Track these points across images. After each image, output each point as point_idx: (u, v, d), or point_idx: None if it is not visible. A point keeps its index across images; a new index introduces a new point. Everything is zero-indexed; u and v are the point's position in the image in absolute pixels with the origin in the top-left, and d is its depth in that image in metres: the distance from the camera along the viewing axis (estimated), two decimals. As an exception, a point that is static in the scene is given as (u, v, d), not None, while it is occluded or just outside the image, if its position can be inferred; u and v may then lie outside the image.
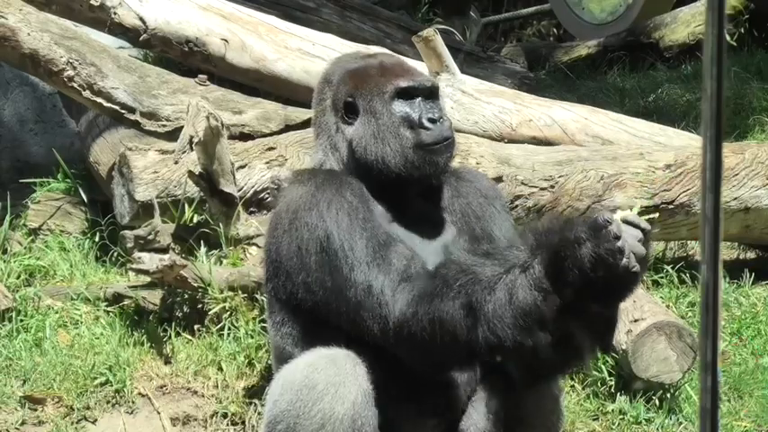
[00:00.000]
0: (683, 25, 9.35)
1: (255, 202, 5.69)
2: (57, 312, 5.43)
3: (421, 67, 6.00)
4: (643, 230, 3.28)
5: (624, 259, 3.20)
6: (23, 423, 4.97)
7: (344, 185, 3.64)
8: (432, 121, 3.74)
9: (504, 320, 3.29)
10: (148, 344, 5.24)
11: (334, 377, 3.53)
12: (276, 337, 3.84)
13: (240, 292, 5.22)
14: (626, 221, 3.27)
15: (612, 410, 5.09)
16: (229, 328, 5.19)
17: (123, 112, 5.98)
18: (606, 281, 3.24)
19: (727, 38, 8.44)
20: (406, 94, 3.77)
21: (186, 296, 5.30)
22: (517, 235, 3.58)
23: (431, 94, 3.82)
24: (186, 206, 5.63)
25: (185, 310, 5.32)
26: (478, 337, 3.34)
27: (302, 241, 3.60)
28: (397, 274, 3.49)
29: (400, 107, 3.76)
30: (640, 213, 3.38)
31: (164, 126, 5.98)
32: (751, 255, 6.37)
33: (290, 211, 3.64)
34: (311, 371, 3.58)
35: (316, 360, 3.59)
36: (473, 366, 3.66)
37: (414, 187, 3.79)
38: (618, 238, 3.20)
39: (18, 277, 5.74)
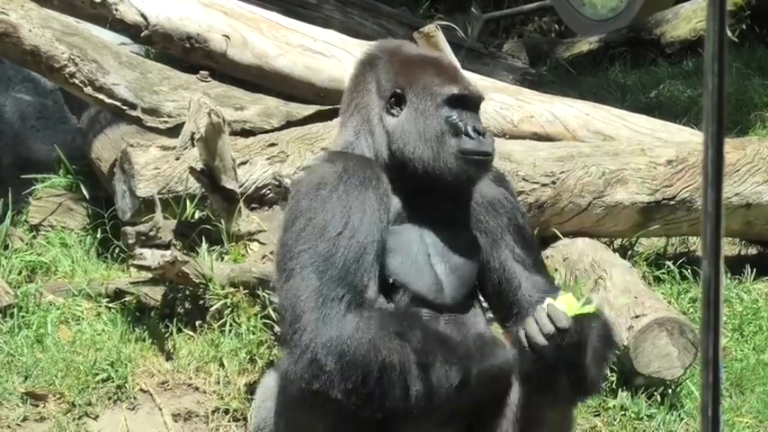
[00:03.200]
0: (685, 21, 9.35)
1: (257, 199, 5.69)
2: (58, 308, 5.43)
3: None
4: (557, 328, 3.41)
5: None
6: (25, 419, 4.97)
7: (371, 180, 3.56)
8: (477, 132, 3.69)
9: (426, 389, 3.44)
10: (150, 340, 5.24)
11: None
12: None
13: (242, 288, 5.22)
14: (548, 314, 3.44)
15: (614, 406, 5.10)
16: (231, 325, 5.19)
17: (125, 108, 5.98)
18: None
19: (729, 34, 8.43)
20: (457, 102, 3.71)
21: (188, 292, 5.30)
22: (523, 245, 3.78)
23: (477, 106, 3.77)
24: (187, 202, 5.63)
25: (187, 306, 5.32)
26: (410, 389, 3.42)
27: (312, 212, 3.52)
28: (354, 298, 3.45)
29: (449, 113, 3.68)
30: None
31: (165, 122, 5.98)
32: (752, 250, 6.37)
33: (314, 183, 3.56)
34: None
35: None
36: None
37: (442, 190, 3.75)
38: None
39: (19, 273, 5.74)
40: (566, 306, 3.45)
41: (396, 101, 3.71)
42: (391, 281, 3.59)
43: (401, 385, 3.40)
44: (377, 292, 3.53)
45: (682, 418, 5.10)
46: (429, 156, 3.65)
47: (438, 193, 3.73)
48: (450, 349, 3.47)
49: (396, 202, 3.67)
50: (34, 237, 6.14)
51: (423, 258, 3.66)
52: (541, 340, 3.40)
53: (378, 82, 3.74)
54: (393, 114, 3.71)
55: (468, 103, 3.74)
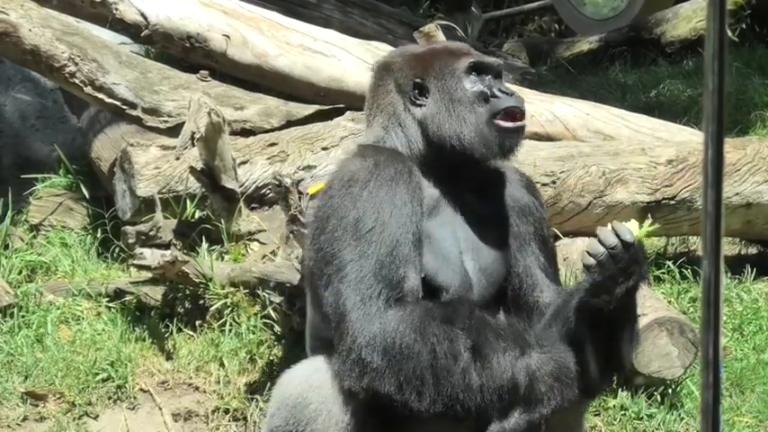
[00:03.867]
0: (685, 21, 9.35)
1: (257, 198, 5.69)
2: (58, 308, 5.43)
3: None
4: (622, 241, 3.45)
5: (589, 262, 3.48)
6: (25, 419, 4.97)
7: (403, 174, 3.58)
8: (503, 92, 3.74)
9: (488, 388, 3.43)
10: (150, 340, 5.24)
11: (327, 396, 3.52)
12: (312, 314, 3.79)
13: (242, 287, 5.22)
14: (613, 229, 3.48)
15: (614, 406, 5.09)
16: (231, 324, 5.19)
17: (125, 107, 5.98)
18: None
19: (729, 33, 8.42)
20: (477, 70, 3.76)
21: (188, 292, 5.30)
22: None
23: (498, 74, 3.81)
24: (188, 202, 5.63)
25: (187, 305, 5.32)
26: (467, 376, 3.40)
27: (344, 211, 3.54)
28: (393, 293, 3.46)
29: (472, 83, 3.74)
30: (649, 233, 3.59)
31: (165, 122, 5.98)
32: (752, 250, 6.36)
33: (345, 180, 3.58)
34: (306, 387, 3.56)
35: (312, 375, 3.57)
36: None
37: (479, 169, 3.76)
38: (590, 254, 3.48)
39: (19, 273, 5.74)
40: (631, 227, 3.52)
41: (419, 92, 3.76)
42: (422, 276, 3.60)
43: (458, 371, 3.40)
44: (419, 282, 3.54)
45: (682, 418, 5.10)
46: (465, 129, 3.70)
47: (474, 182, 3.75)
48: (506, 335, 3.47)
49: (429, 197, 3.69)
50: (34, 236, 6.14)
51: (455, 255, 3.68)
52: (602, 250, 3.43)
53: (396, 81, 3.79)
54: (420, 105, 3.75)
55: (488, 69, 3.79)
